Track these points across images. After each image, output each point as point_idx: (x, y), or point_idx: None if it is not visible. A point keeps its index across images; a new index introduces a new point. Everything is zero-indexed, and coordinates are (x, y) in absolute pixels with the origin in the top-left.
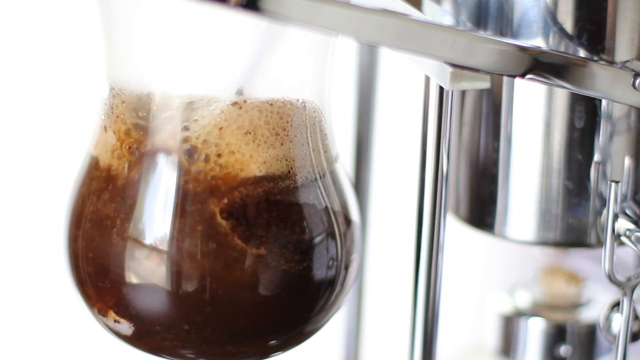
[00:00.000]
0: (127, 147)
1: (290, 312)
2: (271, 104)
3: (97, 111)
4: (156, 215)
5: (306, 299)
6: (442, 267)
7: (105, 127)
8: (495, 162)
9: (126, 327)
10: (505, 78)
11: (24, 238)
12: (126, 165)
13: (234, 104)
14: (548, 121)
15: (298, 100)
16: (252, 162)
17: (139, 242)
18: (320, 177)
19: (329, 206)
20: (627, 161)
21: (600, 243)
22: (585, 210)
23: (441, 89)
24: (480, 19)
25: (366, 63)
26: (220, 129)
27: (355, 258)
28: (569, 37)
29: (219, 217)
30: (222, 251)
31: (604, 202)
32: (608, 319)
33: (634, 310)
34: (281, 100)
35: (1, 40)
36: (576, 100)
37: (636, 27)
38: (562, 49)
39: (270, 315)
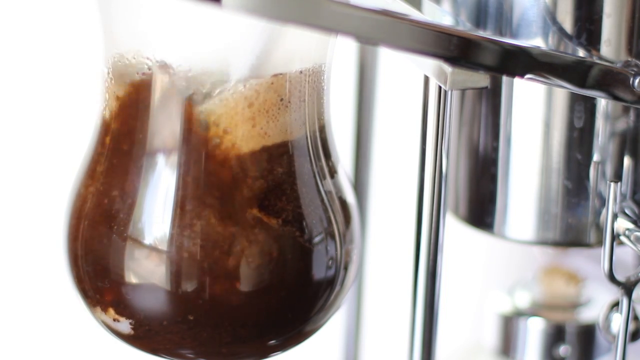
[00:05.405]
0: (134, 135)
1: (290, 312)
2: (301, 72)
3: (97, 105)
4: (156, 215)
5: (306, 298)
6: (441, 267)
7: (106, 118)
8: (494, 162)
9: (125, 326)
10: (504, 78)
11: (23, 237)
12: (138, 151)
13: (275, 75)
14: (547, 121)
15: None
16: (267, 137)
17: (138, 242)
18: (323, 176)
19: (330, 200)
20: (627, 161)
21: (599, 243)
22: (585, 209)
23: (440, 88)
24: (479, 19)
25: (366, 63)
26: (234, 105)
27: (355, 255)
28: (569, 37)
29: (255, 207)
30: (252, 240)
31: (603, 201)
32: (607, 319)
33: (633, 310)
34: (311, 68)
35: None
36: (575, 100)
37: (636, 26)
38: (561, 48)
39: (270, 314)
